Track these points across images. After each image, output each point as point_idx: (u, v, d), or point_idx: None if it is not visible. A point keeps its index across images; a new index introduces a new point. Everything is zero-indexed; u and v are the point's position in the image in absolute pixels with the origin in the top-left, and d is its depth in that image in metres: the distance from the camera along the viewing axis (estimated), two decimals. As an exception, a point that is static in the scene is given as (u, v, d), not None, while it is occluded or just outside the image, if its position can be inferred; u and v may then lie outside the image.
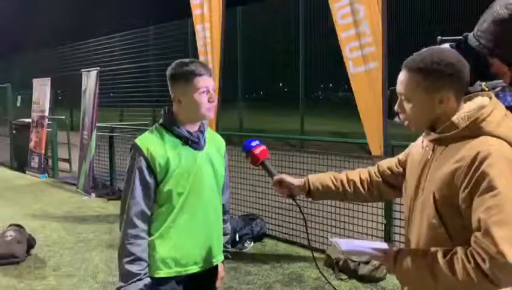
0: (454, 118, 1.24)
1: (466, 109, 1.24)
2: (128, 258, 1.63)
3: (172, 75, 1.70)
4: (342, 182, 1.59)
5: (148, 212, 1.67)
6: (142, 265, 1.64)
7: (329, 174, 1.63)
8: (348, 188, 1.58)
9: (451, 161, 1.20)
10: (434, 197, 1.22)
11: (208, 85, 1.67)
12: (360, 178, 1.59)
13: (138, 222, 1.65)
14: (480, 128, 1.20)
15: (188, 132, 1.72)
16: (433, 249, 1.21)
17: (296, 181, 1.64)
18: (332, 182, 1.60)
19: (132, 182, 1.65)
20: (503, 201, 1.10)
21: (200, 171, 1.72)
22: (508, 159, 1.14)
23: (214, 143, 1.83)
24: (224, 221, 1.92)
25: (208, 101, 1.68)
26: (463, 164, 1.16)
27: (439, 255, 1.17)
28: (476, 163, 1.13)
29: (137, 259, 1.63)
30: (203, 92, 1.67)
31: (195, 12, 4.58)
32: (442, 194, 1.20)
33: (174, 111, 1.73)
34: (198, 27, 4.57)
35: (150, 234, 1.69)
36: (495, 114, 1.21)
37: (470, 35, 1.50)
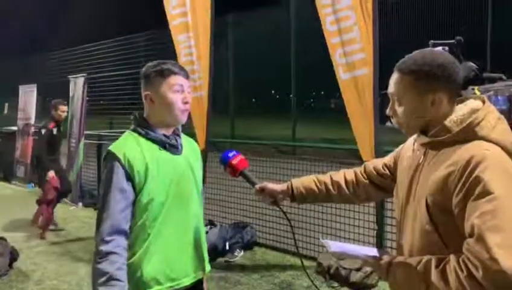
0: (447, 122, 1.21)
1: (459, 113, 1.21)
2: (102, 279, 1.44)
3: (146, 72, 1.62)
4: (325, 184, 1.57)
5: (126, 227, 1.52)
6: (118, 285, 1.45)
7: (312, 177, 1.61)
8: (332, 190, 1.56)
9: (444, 165, 1.16)
10: (426, 203, 1.19)
11: (182, 83, 1.60)
12: (346, 179, 1.56)
13: (112, 237, 1.48)
14: (474, 133, 1.17)
15: (164, 135, 1.62)
16: (426, 257, 1.16)
17: (278, 187, 1.61)
18: (316, 185, 1.57)
19: (109, 192, 1.51)
20: (498, 206, 1.05)
21: (181, 177, 1.62)
22: (502, 163, 1.11)
23: (190, 147, 1.73)
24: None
25: (182, 101, 1.59)
26: (456, 168, 1.13)
27: (433, 265, 1.13)
28: (470, 167, 1.10)
29: (110, 279, 1.44)
30: (177, 90, 1.59)
31: (174, 22, 4.39)
32: (434, 199, 1.17)
33: (146, 115, 1.64)
34: (180, 37, 4.37)
35: (133, 250, 1.54)
36: (489, 118, 1.18)
37: None
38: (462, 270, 1.06)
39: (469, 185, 1.09)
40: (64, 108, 5.53)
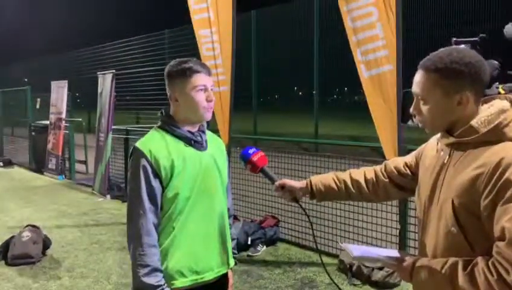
0: (474, 122, 1.18)
1: (486, 113, 1.19)
2: (145, 270, 1.53)
3: (169, 72, 1.64)
4: (345, 182, 1.56)
5: (156, 220, 1.58)
6: (160, 276, 1.56)
7: (332, 175, 1.59)
8: (352, 188, 1.55)
9: (472, 167, 1.14)
10: (453, 205, 1.17)
11: (205, 83, 1.62)
12: (365, 178, 1.55)
13: (151, 231, 1.56)
14: (503, 134, 1.15)
15: (189, 132, 1.65)
16: (452, 259, 1.15)
17: (298, 184, 1.61)
18: (335, 183, 1.56)
19: (138, 188, 1.55)
20: None
21: (206, 173, 1.65)
22: None
23: (215, 143, 1.77)
24: (230, 226, 1.83)
25: (206, 100, 1.62)
26: (485, 170, 1.11)
27: (459, 268, 1.12)
28: (500, 170, 1.08)
29: (154, 270, 1.54)
30: (201, 89, 1.61)
31: (197, 17, 4.42)
32: (461, 201, 1.15)
33: (172, 112, 1.67)
34: (202, 32, 4.40)
35: (159, 242, 1.60)
36: None
37: (508, 26, 1.45)
38: (491, 274, 1.05)
39: (499, 188, 1.07)
40: None
